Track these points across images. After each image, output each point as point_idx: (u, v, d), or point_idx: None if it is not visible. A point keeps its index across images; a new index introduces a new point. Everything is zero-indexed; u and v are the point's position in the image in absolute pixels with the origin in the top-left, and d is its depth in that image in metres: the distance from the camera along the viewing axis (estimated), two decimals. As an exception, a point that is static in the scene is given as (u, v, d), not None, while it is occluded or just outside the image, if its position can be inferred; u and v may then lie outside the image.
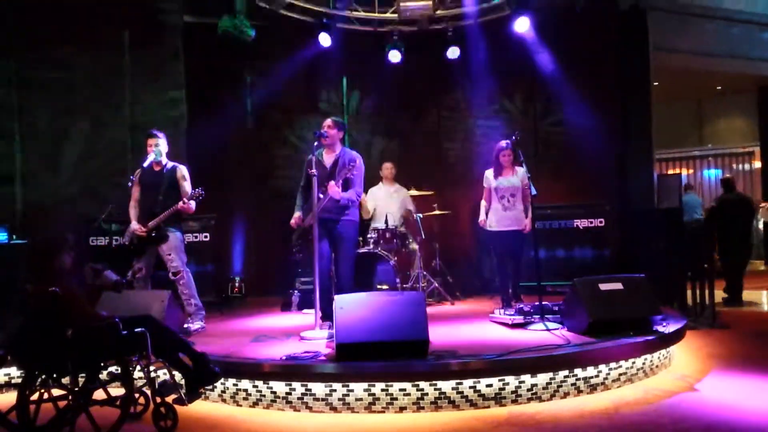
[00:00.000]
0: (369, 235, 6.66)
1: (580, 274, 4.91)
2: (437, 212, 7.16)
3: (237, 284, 7.38)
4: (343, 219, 4.98)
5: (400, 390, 3.68)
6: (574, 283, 4.60)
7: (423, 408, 3.68)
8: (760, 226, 11.21)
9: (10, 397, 3.63)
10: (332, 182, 4.84)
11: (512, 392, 3.75)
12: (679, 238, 6.53)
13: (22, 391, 3.17)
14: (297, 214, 5.17)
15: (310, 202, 4.90)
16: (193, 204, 5.16)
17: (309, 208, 4.99)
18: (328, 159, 5.11)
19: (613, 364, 4.03)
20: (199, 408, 3.80)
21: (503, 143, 5.75)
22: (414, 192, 7.17)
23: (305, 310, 6.38)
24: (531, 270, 5.60)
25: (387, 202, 7.04)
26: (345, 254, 4.99)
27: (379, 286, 6.39)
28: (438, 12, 7.98)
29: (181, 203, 5.10)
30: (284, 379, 3.81)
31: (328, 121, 5.11)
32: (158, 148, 5.29)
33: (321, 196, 4.83)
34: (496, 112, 8.66)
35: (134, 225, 5.19)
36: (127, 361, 3.33)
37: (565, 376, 3.86)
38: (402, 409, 3.68)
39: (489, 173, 5.82)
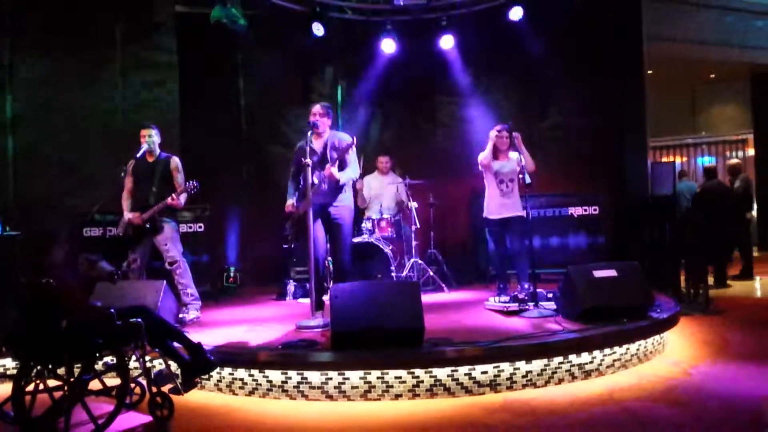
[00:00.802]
0: (364, 225, 6.67)
1: (574, 262, 4.92)
2: (432, 201, 7.16)
3: (232, 274, 7.37)
4: (338, 203, 4.94)
5: (396, 378, 3.70)
6: (568, 271, 4.61)
7: (419, 395, 3.70)
8: (753, 213, 11.21)
9: (5, 389, 3.63)
10: (329, 165, 4.78)
11: (507, 379, 3.77)
12: (672, 226, 6.56)
13: (17, 382, 3.17)
14: (290, 201, 5.07)
15: (303, 188, 4.85)
16: (183, 198, 5.15)
17: (302, 195, 4.93)
18: (317, 144, 5.00)
19: (607, 350, 4.05)
20: (195, 397, 3.81)
21: (498, 126, 5.71)
22: (409, 181, 7.16)
23: (300, 300, 6.40)
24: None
25: (382, 192, 7.05)
26: (342, 239, 4.94)
27: (374, 275, 6.40)
28: (432, 1, 7.94)
29: (170, 199, 5.08)
30: (280, 367, 3.82)
31: (318, 109, 4.97)
32: (151, 139, 5.30)
33: (316, 181, 4.76)
34: (490, 100, 8.63)
35: (128, 214, 5.18)
36: (123, 351, 3.33)
37: (560, 363, 3.88)
38: (398, 396, 3.70)
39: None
